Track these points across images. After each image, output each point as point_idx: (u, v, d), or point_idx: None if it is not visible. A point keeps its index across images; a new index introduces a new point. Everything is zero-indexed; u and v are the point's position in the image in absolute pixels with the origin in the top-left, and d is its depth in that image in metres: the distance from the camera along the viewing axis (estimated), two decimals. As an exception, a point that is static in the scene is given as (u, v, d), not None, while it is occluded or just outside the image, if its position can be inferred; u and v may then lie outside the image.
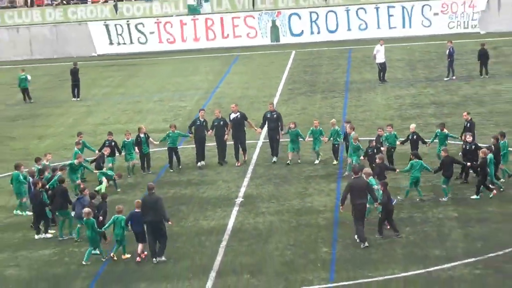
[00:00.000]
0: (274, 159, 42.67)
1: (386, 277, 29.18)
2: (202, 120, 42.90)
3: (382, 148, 38.76)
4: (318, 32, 73.99)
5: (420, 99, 52.47)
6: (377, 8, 73.53)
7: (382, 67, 58.21)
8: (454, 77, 57.12)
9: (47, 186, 35.35)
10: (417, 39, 70.80)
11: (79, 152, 40.10)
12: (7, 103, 59.13)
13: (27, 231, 34.82)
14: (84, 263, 30.96)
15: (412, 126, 40.41)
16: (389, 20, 73.38)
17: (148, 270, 30.90)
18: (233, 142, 43.08)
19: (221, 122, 42.84)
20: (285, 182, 39.50)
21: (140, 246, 31.18)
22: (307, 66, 64.94)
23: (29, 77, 59.38)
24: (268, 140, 43.20)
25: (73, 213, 34.14)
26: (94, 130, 46.42)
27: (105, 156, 40.11)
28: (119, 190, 39.19)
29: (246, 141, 43.49)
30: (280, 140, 42.78)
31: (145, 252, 31.09)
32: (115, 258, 31.17)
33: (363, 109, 49.47)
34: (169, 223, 31.50)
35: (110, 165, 41.15)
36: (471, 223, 33.03)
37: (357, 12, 73.63)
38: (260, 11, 74.67)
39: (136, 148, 41.84)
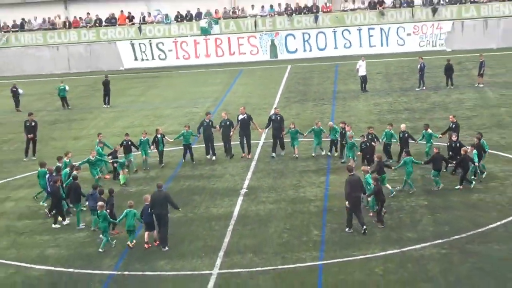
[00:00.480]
0: (281, 153, 43.09)
1: (367, 256, 29.20)
2: (208, 121, 43.17)
3: (373, 144, 39.10)
4: (310, 50, 73.90)
5: (395, 106, 52.47)
6: (359, 30, 73.42)
7: (364, 79, 58.15)
8: (424, 88, 57.08)
9: (64, 184, 35.32)
10: (393, 55, 70.73)
11: (99, 149, 40.35)
12: (48, 109, 59.11)
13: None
14: (100, 250, 30.89)
15: (403, 126, 40.56)
16: (369, 40, 73.27)
17: (166, 250, 30.89)
18: (239, 139, 43.33)
19: (227, 123, 43.33)
20: (282, 175, 39.46)
21: (146, 234, 31.06)
22: (301, 78, 64.86)
23: (67, 88, 59.43)
24: (271, 140, 43.20)
25: (86, 205, 34.25)
26: (121, 131, 46.36)
27: (117, 152, 40.31)
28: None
29: (251, 141, 43.71)
30: (283, 137, 43.06)
31: (157, 241, 30.98)
32: (131, 246, 30.91)
33: (348, 114, 49.46)
34: (179, 210, 32.04)
35: (131, 159, 41.56)
36: (439, 210, 33.05)
37: (342, 33, 73.54)
38: (261, 32, 74.60)
39: (153, 146, 42.09)
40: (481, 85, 56.71)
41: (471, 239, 30.08)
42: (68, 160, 38.55)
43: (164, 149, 42.79)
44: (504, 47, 71.10)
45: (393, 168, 36.71)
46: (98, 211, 31.24)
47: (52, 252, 31.40)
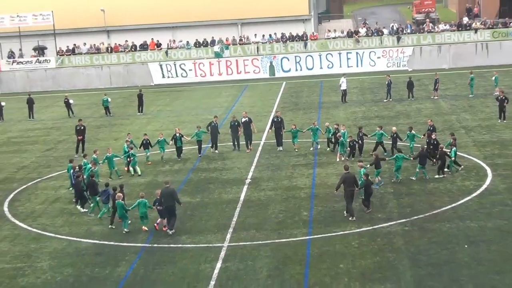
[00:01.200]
0: (280, 148, 43.24)
1: (345, 232, 29.13)
2: (215, 122, 43.84)
3: (360, 142, 40.20)
4: (301, 70, 73.72)
5: (368, 113, 52.34)
6: (339, 54, 73.24)
7: (344, 93, 58.03)
8: (390, 99, 56.96)
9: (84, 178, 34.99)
10: (366, 74, 70.63)
11: (125, 147, 40.78)
12: (94, 116, 59.05)
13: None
14: (126, 230, 30.55)
15: (394, 128, 40.59)
16: (347, 62, 73.08)
17: (187, 227, 30.80)
18: (244, 137, 43.80)
19: (235, 123, 43.76)
20: (278, 168, 39.36)
21: (159, 220, 30.71)
22: (293, 92, 64.76)
23: (109, 99, 59.40)
24: (272, 140, 43.17)
25: (99, 198, 33.61)
26: (152, 133, 46.25)
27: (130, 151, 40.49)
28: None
29: (254, 142, 43.68)
30: (283, 135, 43.53)
31: (165, 227, 30.42)
32: (145, 228, 30.45)
33: (331, 120, 49.06)
34: (181, 205, 30.91)
35: (148, 154, 42.22)
36: (402, 196, 32.96)
37: (326, 56, 73.38)
38: (262, 56, 74.49)
39: (172, 142, 42.49)
40: (436, 97, 56.60)
41: (428, 218, 30.04)
42: (96, 157, 38.66)
43: (184, 148, 42.86)
44: (454, 67, 71.04)
45: (387, 159, 36.47)
46: (117, 201, 30.65)
47: (97, 229, 31.34)
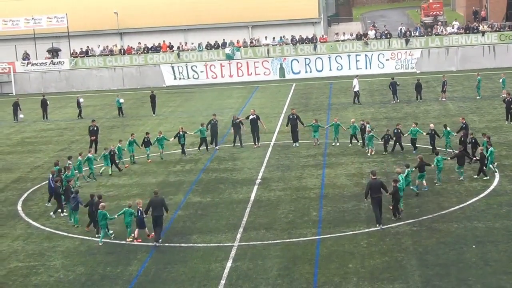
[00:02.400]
0: (296, 144, 44.01)
1: (355, 232, 29.04)
2: (215, 120, 44.98)
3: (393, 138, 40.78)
4: (310, 72, 73.54)
5: (377, 115, 52.15)
6: (349, 56, 73.01)
7: (357, 94, 57.94)
8: (398, 101, 56.80)
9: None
10: (375, 76, 70.41)
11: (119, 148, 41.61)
12: (107, 117, 59.06)
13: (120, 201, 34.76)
14: (100, 243, 29.56)
15: (431, 125, 41.13)
16: (356, 64, 72.85)
17: (198, 227, 30.75)
18: (251, 134, 44.64)
19: (237, 122, 44.86)
20: (288, 169, 39.25)
21: (136, 231, 29.58)
22: (303, 93, 64.64)
23: (122, 100, 59.40)
24: (281, 141, 43.17)
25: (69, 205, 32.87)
26: (165, 134, 46.07)
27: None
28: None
29: (264, 142, 43.60)
30: (299, 131, 44.52)
31: (150, 235, 29.54)
32: (128, 239, 29.51)
33: (340, 121, 48.95)
34: (166, 213, 29.45)
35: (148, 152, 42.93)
36: (411, 197, 32.76)
37: (336, 58, 73.15)
38: (272, 58, 74.39)
39: (172, 139, 43.79)
40: (444, 99, 56.38)
41: (436, 219, 29.91)
42: (82, 159, 38.78)
43: (195, 149, 42.80)
44: (462, 69, 70.75)
45: (432, 166, 34.47)
46: (99, 210, 29.56)
47: (109, 228, 31.28)
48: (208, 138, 44.39)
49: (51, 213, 33.72)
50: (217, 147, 44.37)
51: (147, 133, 44.13)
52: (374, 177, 29.89)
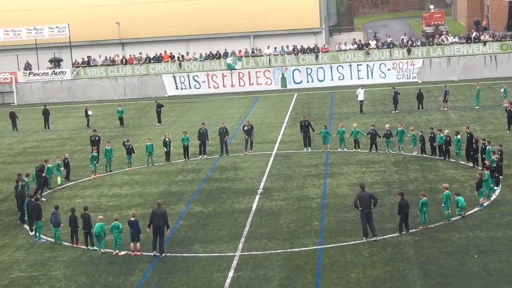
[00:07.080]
0: (309, 149, 45.47)
1: (356, 241, 29.06)
2: (203, 129, 45.62)
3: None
4: (312, 81, 73.61)
5: (378, 125, 51.82)
6: (350, 65, 73.13)
7: (361, 103, 58.00)
8: (397, 111, 56.87)
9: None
10: (376, 85, 70.35)
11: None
12: (109, 127, 59.14)
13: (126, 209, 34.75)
14: (102, 250, 29.78)
15: (446, 131, 41.42)
16: (358, 73, 72.92)
17: (200, 237, 30.76)
18: (244, 141, 45.97)
19: (224, 130, 46.01)
20: (290, 179, 39.28)
21: (132, 245, 29.41)
22: (305, 103, 64.71)
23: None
24: (282, 151, 43.22)
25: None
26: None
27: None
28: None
29: (266, 152, 43.61)
30: (311, 137, 46.06)
31: (140, 251, 29.30)
32: (120, 254, 29.32)
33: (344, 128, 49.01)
34: (167, 231, 29.40)
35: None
36: (412, 207, 32.68)
37: (337, 68, 73.29)
38: (274, 67, 74.49)
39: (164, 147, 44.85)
40: (446, 109, 56.45)
41: (438, 228, 29.94)
42: (50, 165, 39.08)
43: (197, 159, 43.16)
44: (463, 79, 70.71)
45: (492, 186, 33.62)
46: (98, 222, 29.70)
47: (110, 238, 31.15)
48: (194, 148, 44.97)
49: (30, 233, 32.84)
50: (205, 156, 44.93)
51: (127, 140, 45.07)
52: (363, 190, 29.71)
